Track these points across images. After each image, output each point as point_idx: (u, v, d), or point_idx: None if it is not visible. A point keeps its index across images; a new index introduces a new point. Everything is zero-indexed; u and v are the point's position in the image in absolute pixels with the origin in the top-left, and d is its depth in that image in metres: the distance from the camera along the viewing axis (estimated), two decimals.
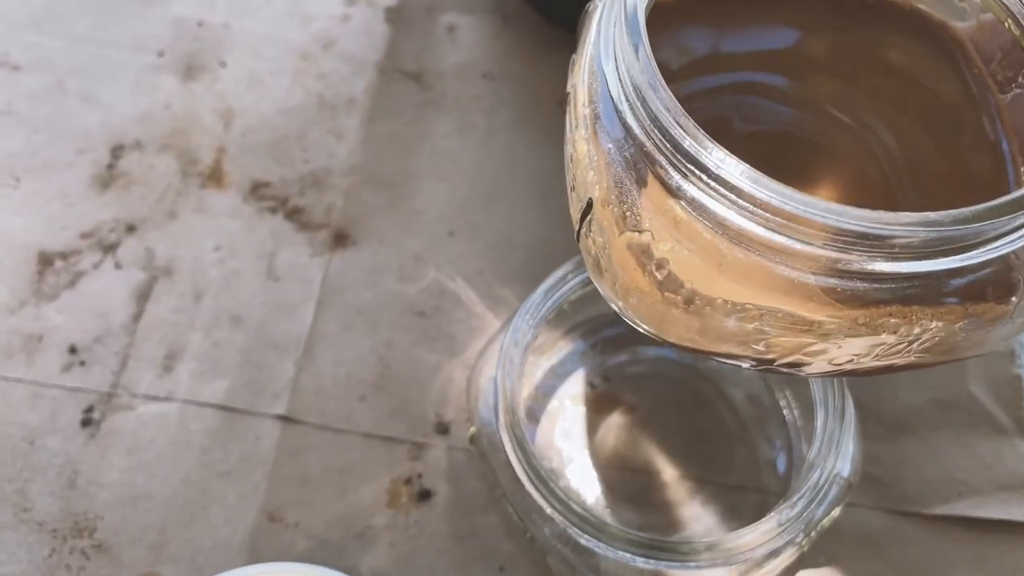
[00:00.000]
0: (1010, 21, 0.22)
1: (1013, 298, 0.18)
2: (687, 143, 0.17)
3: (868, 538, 0.32)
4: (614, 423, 0.34)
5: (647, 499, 0.33)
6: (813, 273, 0.18)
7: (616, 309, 0.21)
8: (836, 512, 0.30)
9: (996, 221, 0.16)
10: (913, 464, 0.33)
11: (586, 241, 0.21)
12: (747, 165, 0.17)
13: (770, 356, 0.20)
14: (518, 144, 0.40)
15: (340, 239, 0.38)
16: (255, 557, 0.31)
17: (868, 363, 0.20)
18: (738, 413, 0.34)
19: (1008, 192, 0.21)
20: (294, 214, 0.38)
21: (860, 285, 0.18)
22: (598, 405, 0.35)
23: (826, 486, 0.29)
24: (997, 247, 0.17)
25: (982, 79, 0.23)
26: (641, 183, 0.19)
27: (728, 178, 0.17)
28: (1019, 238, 0.17)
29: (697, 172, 0.17)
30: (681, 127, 0.17)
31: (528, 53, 0.43)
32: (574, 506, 0.27)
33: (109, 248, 0.37)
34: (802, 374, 0.22)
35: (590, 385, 0.35)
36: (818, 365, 0.20)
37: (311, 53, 0.42)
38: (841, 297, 0.18)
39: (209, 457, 0.33)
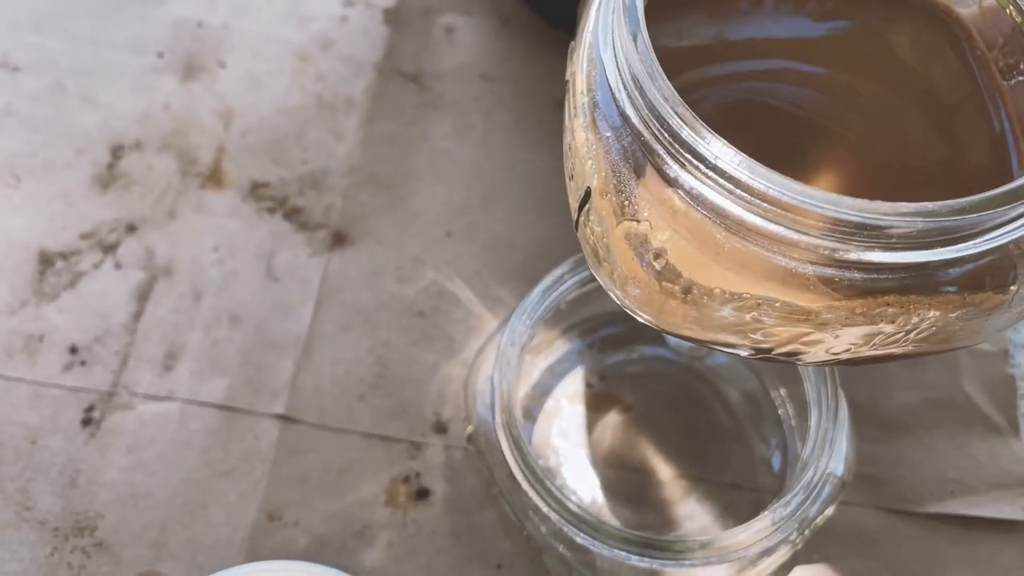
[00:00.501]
0: (1011, 7, 0.22)
1: (1012, 287, 0.18)
2: (685, 133, 0.17)
3: (862, 536, 0.32)
4: (611, 422, 0.34)
5: (643, 497, 0.33)
6: (810, 263, 0.18)
7: (614, 298, 0.21)
8: (830, 510, 0.30)
9: (994, 211, 0.16)
10: (907, 463, 0.34)
11: (584, 230, 0.21)
12: (744, 155, 0.17)
13: (767, 345, 0.20)
14: (516, 145, 0.40)
15: (339, 239, 0.38)
16: (255, 555, 0.32)
17: (866, 352, 0.20)
18: (733, 412, 0.35)
19: (1012, 179, 0.21)
20: (293, 214, 0.38)
21: (857, 275, 0.17)
22: (595, 404, 0.35)
23: (820, 484, 0.29)
24: (996, 237, 0.17)
25: (986, 65, 0.23)
26: (639, 172, 0.19)
27: (725, 168, 0.17)
28: (1018, 228, 0.17)
29: (695, 162, 0.17)
30: (679, 116, 0.17)
31: (526, 54, 0.43)
32: (570, 505, 0.27)
33: (109, 248, 0.37)
34: (800, 363, 0.22)
35: (587, 384, 0.35)
36: (816, 354, 0.20)
37: (310, 54, 0.42)
38: (838, 287, 0.18)
39: (209, 456, 0.33)
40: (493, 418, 0.30)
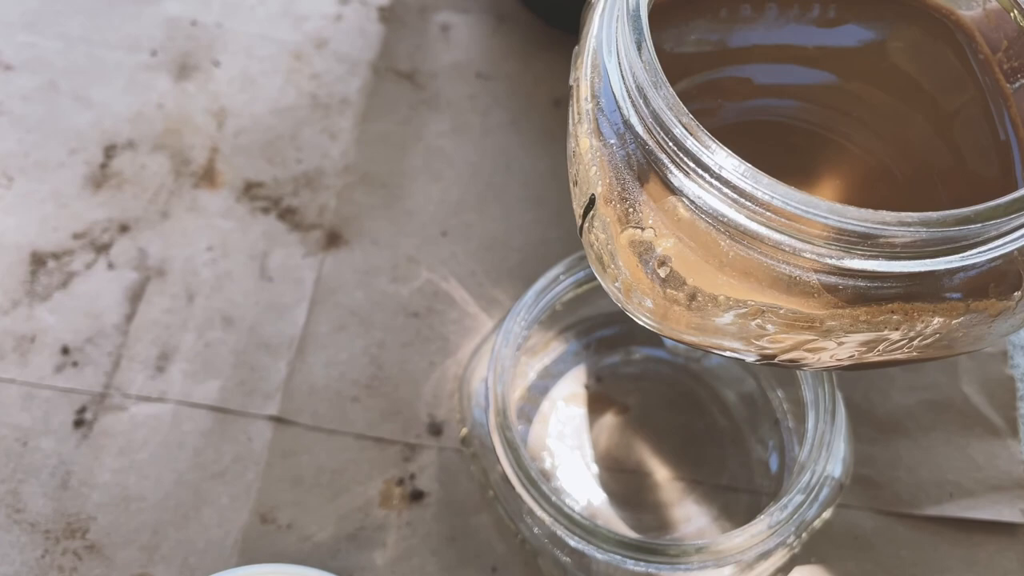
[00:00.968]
0: (1016, 11, 0.21)
1: (1016, 293, 0.18)
2: (689, 142, 0.17)
3: (860, 539, 0.32)
4: (607, 424, 0.34)
5: (639, 500, 0.33)
6: (814, 271, 0.17)
7: (618, 304, 0.21)
8: (827, 513, 0.30)
9: (999, 221, 0.16)
10: (905, 465, 0.33)
11: (588, 236, 0.21)
12: (749, 164, 0.17)
13: (771, 352, 0.20)
14: (512, 144, 0.40)
15: (333, 239, 0.38)
16: (247, 558, 0.31)
17: (869, 358, 0.20)
18: (731, 414, 0.34)
19: (1016, 184, 0.21)
20: (287, 214, 0.38)
21: (862, 283, 0.17)
22: (591, 406, 0.35)
23: (817, 487, 0.29)
24: (1000, 245, 0.17)
25: (990, 69, 0.22)
26: (643, 179, 0.19)
27: (730, 178, 0.17)
28: (1022, 236, 0.17)
29: (699, 171, 0.17)
30: (683, 126, 0.17)
31: (523, 53, 0.42)
32: (564, 508, 0.27)
33: (102, 248, 0.37)
34: (803, 368, 0.21)
35: (583, 386, 0.35)
36: (819, 360, 0.20)
37: (304, 53, 0.42)
38: (843, 294, 0.18)
39: (202, 458, 0.33)
40: (487, 420, 0.29)
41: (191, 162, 0.39)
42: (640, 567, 0.27)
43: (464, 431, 0.31)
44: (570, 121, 0.20)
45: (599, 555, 0.27)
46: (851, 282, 0.18)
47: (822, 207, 0.16)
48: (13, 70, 0.41)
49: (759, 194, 0.16)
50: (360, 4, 0.43)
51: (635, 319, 0.22)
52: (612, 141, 0.19)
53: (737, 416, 0.34)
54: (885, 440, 0.34)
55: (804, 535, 0.29)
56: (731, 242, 0.18)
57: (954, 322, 0.18)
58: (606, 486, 0.33)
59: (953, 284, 0.18)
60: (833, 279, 0.18)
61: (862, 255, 0.17)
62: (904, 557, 0.32)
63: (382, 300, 0.36)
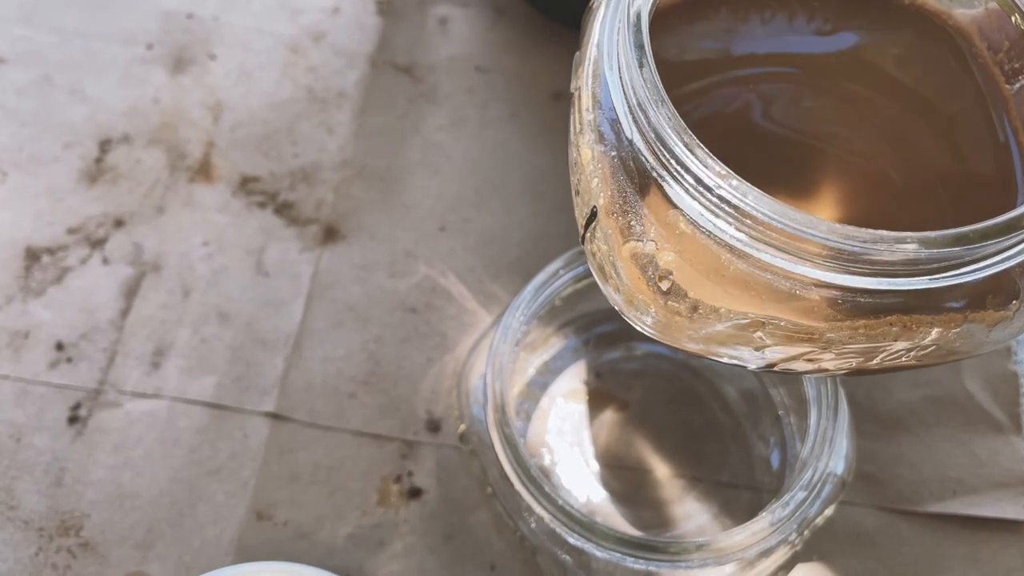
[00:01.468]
0: (1017, 15, 0.21)
1: (1014, 303, 0.18)
2: (689, 160, 0.17)
3: (862, 536, 0.32)
4: (607, 420, 0.34)
5: (640, 497, 0.32)
6: (814, 285, 0.17)
7: (619, 312, 0.21)
8: (830, 510, 0.29)
9: (996, 240, 0.16)
10: (908, 462, 0.33)
11: (590, 246, 0.21)
12: (749, 184, 0.17)
13: (771, 360, 0.20)
14: (511, 138, 0.40)
15: (330, 234, 0.37)
16: (243, 556, 0.31)
17: (869, 367, 0.20)
18: (732, 410, 0.34)
19: (1016, 189, 0.21)
20: (284, 209, 0.38)
21: (861, 297, 0.17)
22: (591, 402, 0.34)
23: (819, 484, 0.29)
24: (998, 262, 0.17)
25: (989, 71, 0.22)
26: (645, 193, 0.19)
27: (730, 198, 0.17)
28: (1019, 252, 0.17)
29: (699, 188, 0.17)
30: (684, 144, 0.17)
31: (522, 46, 0.42)
32: (563, 505, 0.27)
33: (97, 243, 0.36)
34: (803, 375, 0.21)
35: (583, 382, 0.35)
36: (819, 369, 0.20)
37: (301, 46, 0.41)
38: (842, 308, 0.18)
39: (197, 455, 0.32)
40: (486, 417, 0.29)
41: (187, 156, 0.38)
42: (640, 565, 0.26)
43: (462, 428, 0.31)
44: (571, 130, 0.20)
45: (598, 553, 0.26)
46: (850, 296, 0.18)
47: (821, 227, 0.16)
48: (7, 63, 0.40)
49: (759, 214, 0.16)
50: None
51: (636, 327, 0.21)
52: (613, 154, 0.19)
53: (738, 412, 0.34)
54: (888, 437, 0.34)
55: (806, 532, 0.29)
56: (731, 256, 0.18)
57: (952, 332, 0.18)
58: (606, 483, 0.32)
59: (951, 296, 0.18)
60: (832, 293, 0.18)
61: (860, 273, 0.17)
62: (906, 554, 0.32)
63: (379, 296, 0.36)
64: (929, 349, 0.18)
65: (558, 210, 0.38)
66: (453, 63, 0.42)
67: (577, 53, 0.21)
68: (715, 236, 0.17)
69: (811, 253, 0.16)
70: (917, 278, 0.17)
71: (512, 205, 0.38)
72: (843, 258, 0.16)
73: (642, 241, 0.18)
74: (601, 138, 0.19)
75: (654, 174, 0.18)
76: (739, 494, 0.33)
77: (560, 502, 0.27)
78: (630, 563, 0.26)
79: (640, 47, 0.18)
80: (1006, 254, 0.17)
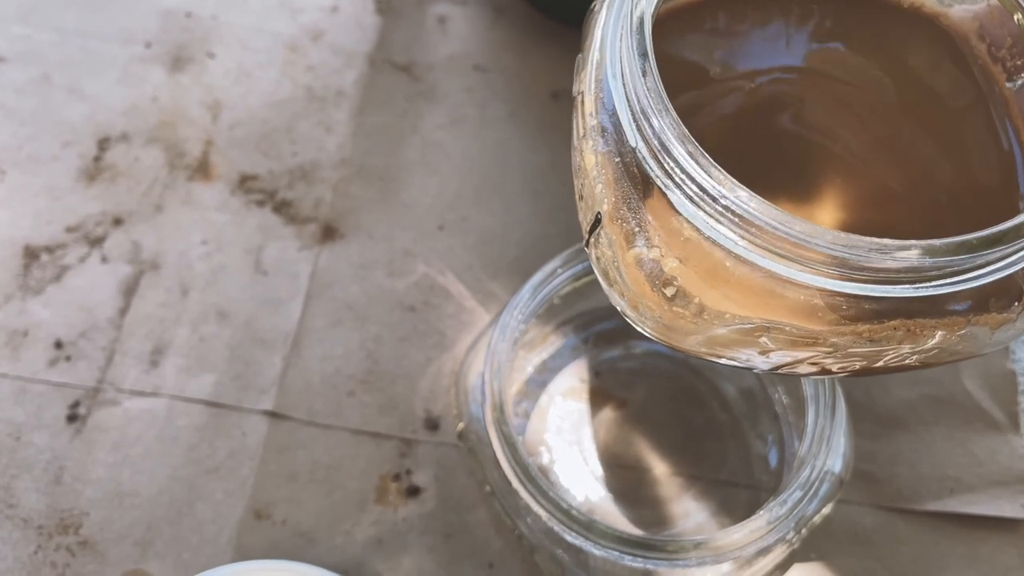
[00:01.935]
0: (1019, 14, 0.21)
1: (1016, 304, 0.18)
2: (693, 169, 0.17)
3: (860, 535, 0.32)
4: (605, 418, 0.34)
5: (638, 495, 0.32)
6: (818, 291, 0.17)
7: (623, 316, 0.21)
8: (827, 509, 0.29)
9: (1000, 248, 0.16)
10: (906, 460, 0.33)
11: (595, 251, 0.21)
12: (752, 193, 0.17)
13: (776, 364, 0.20)
14: (510, 137, 0.40)
15: (329, 233, 0.37)
16: (242, 554, 0.31)
17: (873, 367, 0.20)
18: (730, 408, 0.34)
19: (1018, 190, 0.21)
20: (282, 207, 0.38)
21: (864, 303, 0.17)
22: (589, 400, 0.34)
23: (817, 483, 0.29)
24: (1001, 267, 0.17)
25: (988, 71, 0.22)
26: (649, 200, 0.19)
27: (733, 207, 0.17)
28: (1022, 258, 0.17)
29: (703, 196, 0.17)
30: (688, 154, 0.17)
31: (521, 45, 0.42)
32: (562, 504, 0.27)
33: (95, 242, 0.36)
34: (807, 376, 0.21)
35: (581, 380, 0.35)
36: (823, 371, 0.20)
37: (300, 45, 0.41)
38: (846, 313, 0.18)
39: (196, 453, 0.32)
40: (484, 415, 0.29)
41: (185, 155, 0.38)
42: (638, 563, 0.26)
43: (461, 426, 0.31)
44: (574, 134, 0.20)
45: (597, 551, 0.26)
46: (853, 301, 0.18)
47: (825, 236, 0.16)
48: (6, 62, 0.40)
49: (763, 223, 0.17)
50: None
51: (639, 330, 0.22)
52: (617, 160, 0.18)
53: (737, 411, 0.34)
54: (886, 435, 0.34)
55: (803, 531, 0.29)
56: (736, 262, 0.18)
57: (955, 335, 0.18)
58: (604, 481, 0.32)
59: (954, 300, 0.18)
60: (836, 299, 0.18)
61: (864, 280, 0.17)
62: (904, 553, 0.32)
63: (378, 294, 0.36)
64: (932, 351, 0.18)
65: (557, 209, 0.38)
66: (452, 62, 0.42)
67: (579, 56, 0.21)
68: (719, 243, 0.17)
69: (815, 261, 0.16)
70: (920, 284, 0.17)
71: (511, 204, 0.38)
72: (846, 266, 0.16)
73: (646, 247, 0.18)
74: (605, 143, 0.19)
75: (658, 181, 0.18)
76: (737, 492, 0.33)
77: (558, 501, 0.27)
78: (628, 561, 0.26)
79: (643, 55, 0.18)
80: (1009, 259, 0.17)
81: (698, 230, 0.18)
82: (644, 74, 0.17)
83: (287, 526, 0.32)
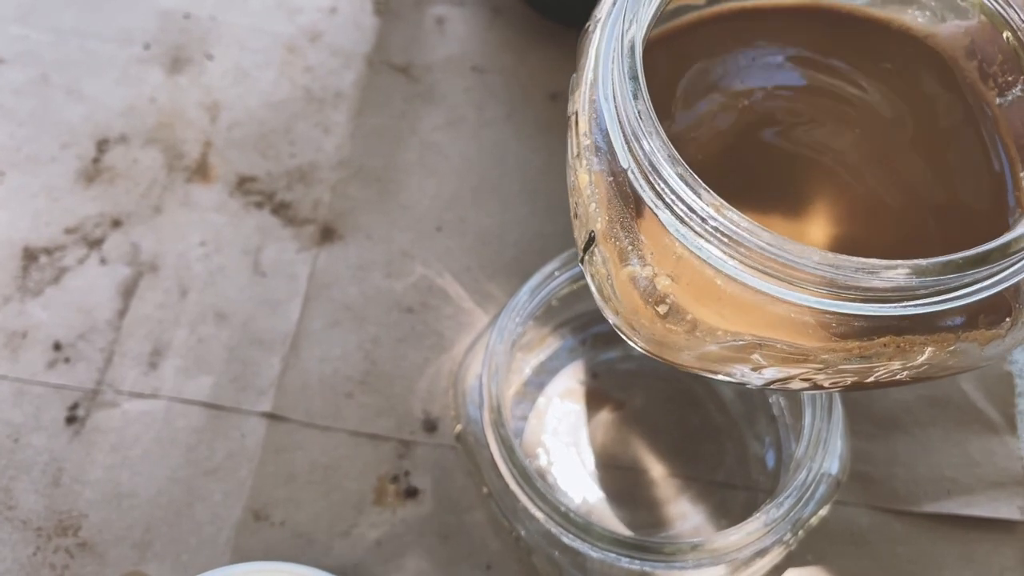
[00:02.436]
0: (1008, 33, 0.21)
1: (1007, 320, 0.18)
2: (683, 191, 0.17)
3: (857, 536, 0.32)
4: (603, 420, 0.34)
5: (635, 497, 0.32)
6: (809, 308, 0.18)
7: (617, 331, 0.21)
8: (824, 511, 0.29)
9: (987, 267, 0.16)
10: (903, 461, 0.33)
11: (589, 268, 0.21)
12: (742, 215, 0.17)
13: (768, 379, 0.20)
14: (508, 138, 0.40)
15: (327, 234, 0.37)
16: (240, 556, 0.31)
17: (863, 383, 0.20)
18: (727, 410, 0.34)
19: (1006, 207, 0.21)
20: (281, 209, 0.38)
21: (854, 320, 0.18)
22: (587, 402, 0.34)
23: (814, 484, 0.29)
24: (989, 285, 0.17)
25: (976, 89, 0.22)
26: (641, 219, 0.19)
27: (723, 228, 0.17)
28: (1011, 275, 0.17)
29: (694, 218, 0.17)
30: (679, 176, 0.17)
31: (518, 46, 0.42)
32: (559, 506, 0.27)
33: (94, 243, 0.36)
34: (800, 392, 0.22)
35: (579, 382, 0.35)
36: (815, 386, 0.21)
37: (298, 46, 0.41)
38: (836, 330, 0.18)
39: (194, 455, 0.33)
40: (482, 418, 0.29)
41: (184, 156, 0.38)
42: (635, 565, 0.26)
43: (459, 428, 0.31)
44: (568, 153, 0.20)
45: (594, 553, 0.27)
46: (844, 319, 0.18)
47: (814, 257, 0.16)
48: (5, 63, 0.40)
49: (752, 244, 0.17)
50: None
51: (632, 345, 0.22)
52: (610, 179, 0.19)
53: (734, 412, 0.34)
54: (883, 436, 0.34)
55: (800, 532, 0.29)
56: (727, 280, 0.18)
57: (945, 352, 0.18)
58: (601, 483, 0.33)
59: (944, 317, 0.18)
60: (826, 317, 0.18)
61: (853, 299, 0.17)
62: (901, 554, 0.32)
63: (376, 295, 0.36)
64: (923, 367, 0.19)
65: (554, 209, 0.38)
66: (450, 63, 0.42)
67: (573, 76, 0.21)
68: (710, 263, 0.17)
69: (804, 281, 0.17)
70: (908, 303, 0.17)
71: (509, 205, 0.38)
72: (835, 285, 0.17)
73: (640, 265, 0.19)
74: (598, 163, 0.19)
75: (649, 202, 0.18)
76: (734, 494, 0.33)
77: (555, 503, 0.27)
78: (625, 563, 0.26)
79: (634, 78, 0.18)
80: (997, 277, 0.17)
81: (689, 249, 0.18)
82: (635, 97, 0.18)
83: (286, 527, 0.32)
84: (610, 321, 0.22)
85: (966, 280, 0.17)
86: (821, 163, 0.22)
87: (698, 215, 0.17)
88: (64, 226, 0.37)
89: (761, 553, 0.28)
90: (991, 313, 0.18)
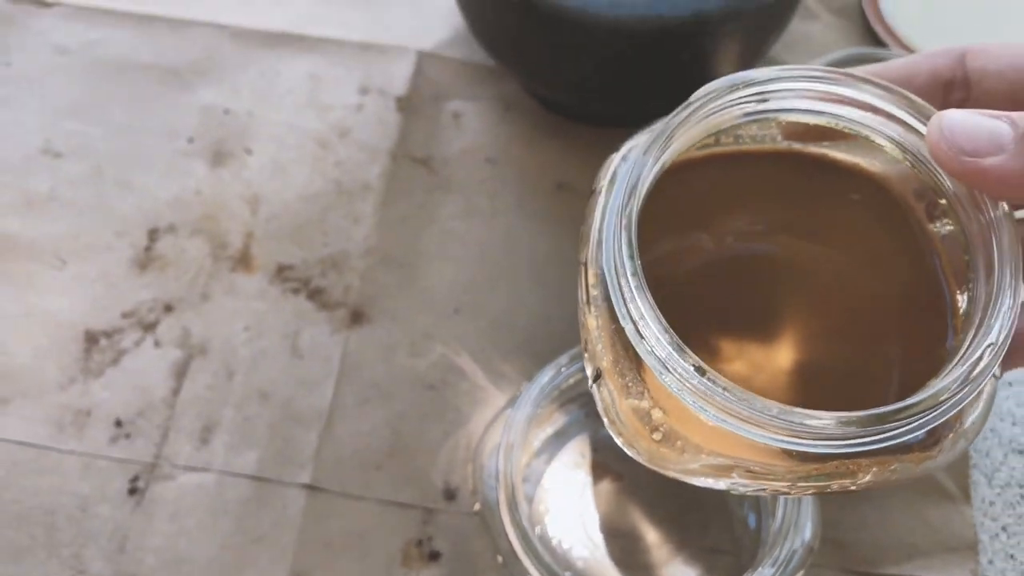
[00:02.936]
0: (908, 160, 0.25)
1: (938, 446, 0.22)
2: (667, 356, 0.21)
3: None
4: (603, 490, 0.38)
5: (632, 562, 0.37)
6: (773, 439, 0.22)
7: (620, 446, 0.25)
8: (800, 575, 0.34)
9: (911, 418, 0.20)
10: (869, 528, 0.38)
11: (598, 393, 0.25)
12: (715, 375, 0.21)
13: (743, 488, 0.24)
14: (518, 226, 0.44)
15: (357, 317, 0.41)
16: None
17: (823, 492, 0.24)
18: None
19: (946, 335, 0.25)
20: (315, 294, 0.42)
21: (810, 450, 0.22)
22: (590, 473, 0.39)
23: (789, 555, 0.33)
24: (918, 426, 0.21)
25: (923, 226, 0.26)
26: (639, 363, 0.22)
27: (702, 386, 0.21)
28: (933, 419, 0.21)
29: (678, 374, 0.21)
30: (668, 343, 0.21)
31: (528, 138, 0.46)
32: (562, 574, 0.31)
33: (149, 327, 0.41)
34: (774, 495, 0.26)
35: (582, 455, 0.39)
36: (785, 492, 0.25)
37: (329, 141, 0.46)
38: (796, 456, 0.22)
39: (243, 523, 0.37)
40: (497, 496, 0.33)
41: (228, 246, 0.43)
42: None
43: (477, 505, 0.35)
44: (579, 294, 0.24)
45: None
46: (802, 450, 0.22)
47: (771, 409, 0.20)
48: (62, 157, 0.45)
49: (724, 399, 0.21)
50: (379, 94, 0.47)
51: (632, 456, 0.26)
52: (613, 327, 0.23)
53: None
54: (851, 505, 0.38)
55: None
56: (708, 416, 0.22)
57: (887, 471, 0.22)
58: (603, 548, 0.37)
59: (885, 447, 0.22)
60: (788, 447, 0.22)
61: (807, 437, 0.21)
62: None
63: (401, 374, 0.40)
64: (869, 483, 0.23)
65: (560, 295, 0.42)
66: (466, 155, 0.46)
67: (583, 227, 0.25)
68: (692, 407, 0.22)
69: (767, 425, 0.21)
70: (846, 441, 0.21)
71: (519, 289, 0.42)
72: (790, 430, 0.21)
73: (638, 399, 0.23)
74: (602, 312, 0.23)
75: (642, 355, 0.22)
76: (721, 558, 0.37)
77: (560, 573, 0.31)
78: None
79: (631, 257, 0.22)
80: (924, 419, 0.21)
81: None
82: (632, 275, 0.22)
83: None
84: (615, 438, 0.26)
85: (888, 427, 0.21)
86: (789, 300, 0.26)
87: (680, 373, 0.21)
88: (121, 311, 0.41)
89: None
90: (925, 441, 0.23)
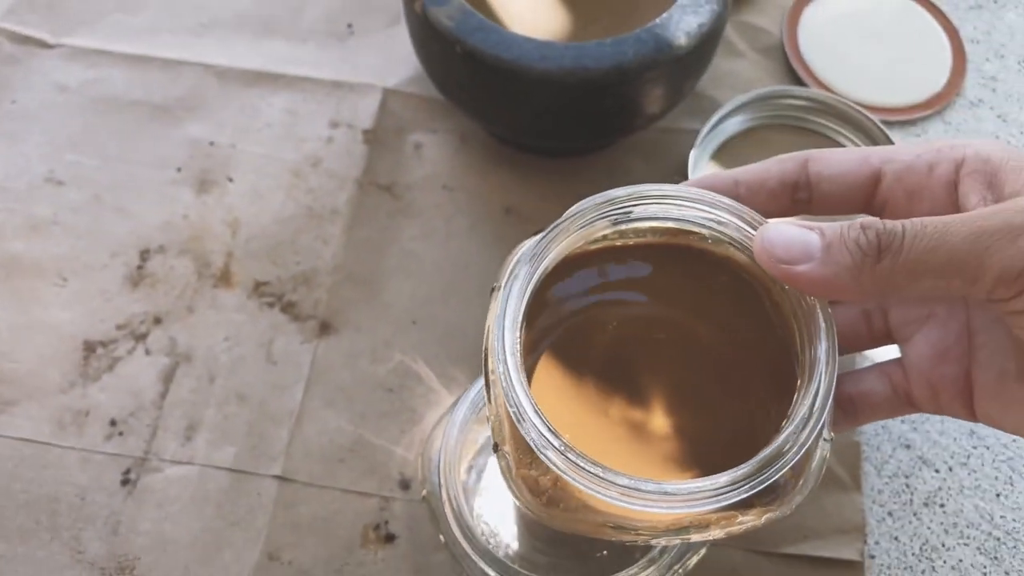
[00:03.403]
0: (732, 247, 0.28)
1: (776, 501, 0.27)
2: (536, 436, 0.25)
3: (730, 572, 0.42)
4: None
5: (559, 539, 0.42)
6: (628, 502, 0.25)
7: (517, 502, 0.30)
8: (703, 551, 0.39)
9: (738, 486, 0.24)
10: None
11: (499, 460, 0.29)
12: (581, 455, 0.25)
13: (617, 539, 0.28)
14: (471, 247, 0.49)
15: (325, 328, 0.47)
16: None
17: (689, 543, 0.29)
18: None
19: (791, 402, 0.28)
20: (288, 308, 0.47)
21: (660, 511, 0.25)
22: None
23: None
24: (746, 490, 0.25)
25: (780, 308, 0.29)
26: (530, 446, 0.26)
27: (575, 463, 0.25)
28: (762, 481, 0.25)
29: (553, 454, 0.25)
30: (545, 431, 0.25)
31: (481, 168, 0.52)
32: (495, 553, 0.36)
33: (140, 337, 0.46)
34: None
35: None
36: (661, 542, 0.29)
37: (302, 170, 0.51)
38: (655, 515, 0.26)
39: (222, 510, 0.42)
40: (440, 489, 0.39)
41: (211, 265, 0.48)
42: None
43: (424, 492, 0.41)
44: (484, 376, 0.28)
45: None
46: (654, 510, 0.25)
47: (622, 480, 0.24)
48: (64, 186, 0.50)
49: (592, 472, 0.25)
50: (348, 127, 0.52)
51: (525, 511, 0.29)
52: (507, 408, 0.26)
53: None
54: None
55: (681, 571, 0.38)
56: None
57: (733, 524, 0.26)
58: (532, 532, 0.42)
59: (726, 505, 0.25)
60: (645, 509, 0.25)
61: (655, 501, 0.25)
62: None
63: (364, 378, 0.46)
64: (721, 535, 0.27)
65: None
66: (426, 182, 0.51)
67: (487, 322, 0.28)
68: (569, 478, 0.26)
69: (619, 491, 0.25)
70: (695, 501, 0.24)
71: (470, 303, 0.48)
72: (641, 494, 0.25)
73: (528, 469, 0.27)
74: (499, 394, 0.27)
75: (523, 436, 0.26)
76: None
77: (491, 552, 0.36)
78: None
79: (513, 354, 0.26)
80: (755, 482, 0.25)
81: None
82: (515, 369, 0.25)
83: (293, 566, 0.41)
84: (511, 495, 0.30)
85: (723, 490, 0.24)
86: (656, 373, 0.29)
87: (555, 452, 0.25)
88: (116, 323, 0.46)
89: None
90: (764, 497, 0.26)
